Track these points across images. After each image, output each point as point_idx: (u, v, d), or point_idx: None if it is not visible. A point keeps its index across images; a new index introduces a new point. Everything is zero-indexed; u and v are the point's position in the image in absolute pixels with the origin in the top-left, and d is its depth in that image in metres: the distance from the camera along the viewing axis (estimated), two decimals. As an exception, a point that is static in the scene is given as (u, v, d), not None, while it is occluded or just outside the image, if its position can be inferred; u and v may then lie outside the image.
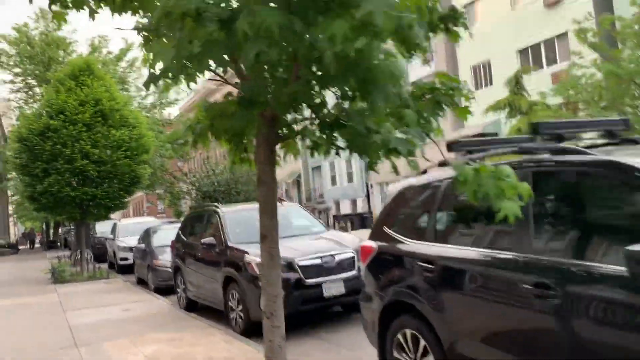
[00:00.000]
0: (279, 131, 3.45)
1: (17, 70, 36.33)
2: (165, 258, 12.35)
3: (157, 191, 43.74)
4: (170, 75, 3.05)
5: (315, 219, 8.90)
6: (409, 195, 4.70)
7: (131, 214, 66.47)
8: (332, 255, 7.08)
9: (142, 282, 14.47)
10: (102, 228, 24.53)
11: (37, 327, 8.92)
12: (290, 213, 8.98)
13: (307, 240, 7.92)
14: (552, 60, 22.24)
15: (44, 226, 55.00)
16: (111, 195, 16.06)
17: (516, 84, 20.46)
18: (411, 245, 4.24)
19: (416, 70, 29.20)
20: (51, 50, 34.54)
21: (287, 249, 7.19)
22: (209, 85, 53.92)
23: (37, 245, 50.12)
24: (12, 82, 36.97)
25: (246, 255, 7.15)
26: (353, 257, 7.24)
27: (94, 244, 22.58)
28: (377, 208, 34.12)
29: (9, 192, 51.13)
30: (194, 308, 9.59)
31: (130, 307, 10.19)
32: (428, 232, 4.12)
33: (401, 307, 4.18)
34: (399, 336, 4.19)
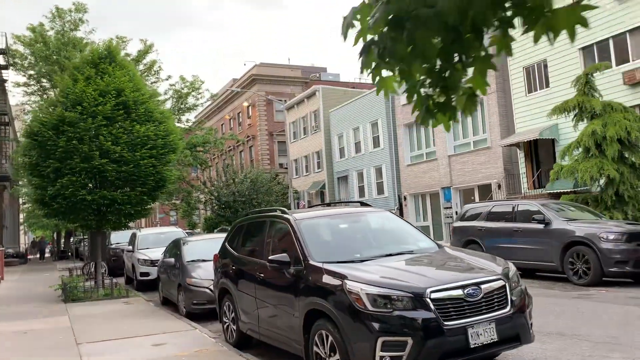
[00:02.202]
0: None
1: (31, 72, 34.75)
2: (201, 275, 10.14)
3: (174, 201, 41.70)
4: None
5: (418, 229, 6.60)
6: None
7: (143, 224, 64.46)
8: (478, 285, 4.76)
9: (168, 303, 12.25)
10: (117, 238, 22.40)
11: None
12: (383, 222, 6.69)
13: (427, 261, 5.61)
14: (623, 59, 19.90)
15: (55, 235, 53.18)
16: (133, 200, 13.87)
17: (586, 84, 18.10)
18: None
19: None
20: (67, 50, 32.76)
21: (407, 273, 4.93)
22: (230, 91, 52.17)
23: (47, 255, 48.07)
24: (26, 84, 35.31)
25: (347, 281, 4.86)
26: (504, 287, 4.92)
27: (108, 255, 20.38)
28: (411, 221, 31.77)
29: (20, 200, 49.38)
30: (248, 344, 7.32)
31: (162, 340, 7.92)
32: None
33: None
34: None
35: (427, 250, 5.98)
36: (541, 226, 12.25)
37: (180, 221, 55.05)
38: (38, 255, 47.25)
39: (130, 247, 17.36)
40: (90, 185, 13.55)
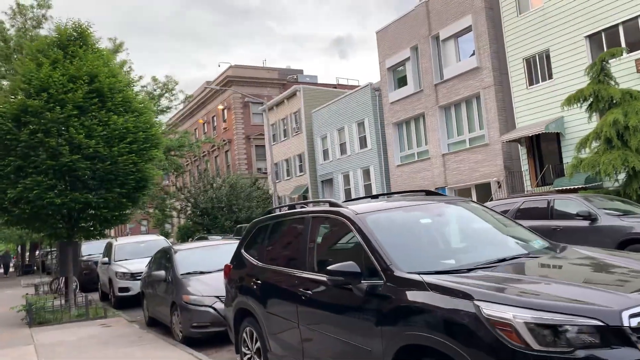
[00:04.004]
0: None
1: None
2: (201, 291, 8.25)
3: (148, 208, 39.13)
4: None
5: (516, 222, 4.89)
6: None
7: (112, 235, 61.25)
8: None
9: (155, 323, 10.30)
10: (88, 249, 20.16)
11: None
12: (472, 215, 4.92)
13: (574, 269, 3.89)
14: (634, 45, 18.72)
15: (19, 248, 49.92)
16: (110, 203, 11.86)
17: (601, 71, 16.82)
18: None
19: (451, 66, 25.65)
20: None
21: (568, 287, 3.21)
22: (206, 90, 50.04)
23: (10, 269, 44.93)
24: (-16, 86, 32.59)
25: (481, 302, 3.10)
26: None
27: (80, 268, 18.15)
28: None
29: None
30: (279, 385, 5.49)
31: (161, 379, 6.03)
32: None
33: None
34: None
35: (549, 252, 4.27)
36: (586, 223, 10.72)
37: (152, 230, 52.38)
38: (2, 270, 44.16)
39: (106, 259, 15.26)
40: (60, 186, 11.49)
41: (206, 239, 26.89)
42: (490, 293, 3.17)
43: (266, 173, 45.96)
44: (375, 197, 6.09)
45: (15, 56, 30.15)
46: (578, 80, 19.69)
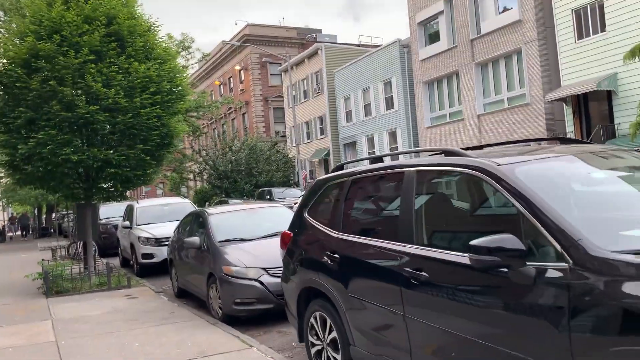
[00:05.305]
0: None
1: (2, 30, 30.77)
2: (245, 262, 7.03)
3: (166, 171, 37.90)
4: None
5: None
6: None
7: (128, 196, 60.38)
8: None
9: (185, 295, 9.20)
10: (106, 212, 19.14)
11: None
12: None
13: None
14: None
15: (35, 210, 49.36)
16: (131, 161, 10.62)
17: (671, 19, 15.10)
18: None
19: (490, 19, 23.81)
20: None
21: None
22: (222, 50, 48.38)
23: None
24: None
25: None
26: None
27: (98, 232, 17.11)
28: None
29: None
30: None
31: (208, 373, 4.86)
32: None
33: None
34: None
35: None
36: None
37: (168, 193, 51.45)
38: (19, 233, 43.78)
39: (127, 223, 14.13)
40: (76, 141, 10.25)
41: (227, 202, 25.79)
42: None
43: (285, 136, 44.55)
44: (479, 147, 4.76)
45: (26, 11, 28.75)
46: (636, 33, 17.96)
